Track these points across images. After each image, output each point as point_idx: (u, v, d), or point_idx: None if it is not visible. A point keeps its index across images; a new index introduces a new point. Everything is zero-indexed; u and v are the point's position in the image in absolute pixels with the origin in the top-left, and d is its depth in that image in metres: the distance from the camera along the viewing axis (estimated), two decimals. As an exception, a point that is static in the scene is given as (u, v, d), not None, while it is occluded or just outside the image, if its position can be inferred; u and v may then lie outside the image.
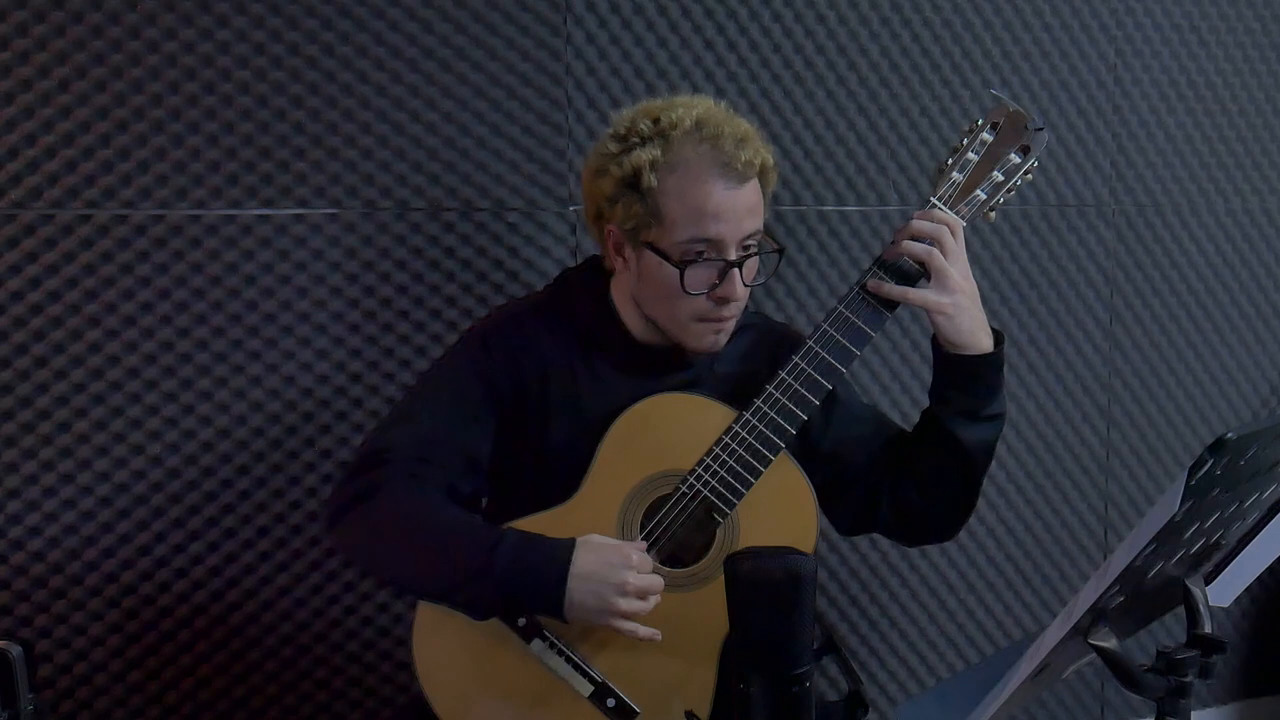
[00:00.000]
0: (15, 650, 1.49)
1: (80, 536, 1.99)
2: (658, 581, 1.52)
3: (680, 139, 1.54)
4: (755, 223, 1.57)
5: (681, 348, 1.63)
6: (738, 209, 1.54)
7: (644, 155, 1.54)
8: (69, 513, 1.99)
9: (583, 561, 1.50)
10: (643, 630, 1.52)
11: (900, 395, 2.42)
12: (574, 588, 1.49)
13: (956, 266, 1.56)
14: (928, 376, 1.67)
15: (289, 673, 2.12)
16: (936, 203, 1.60)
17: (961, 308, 1.57)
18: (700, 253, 1.55)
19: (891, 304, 1.58)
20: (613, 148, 1.58)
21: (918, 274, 1.58)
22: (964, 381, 1.61)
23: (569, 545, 1.51)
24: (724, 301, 1.57)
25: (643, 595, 1.51)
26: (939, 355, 1.62)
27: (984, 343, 1.59)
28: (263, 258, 2.03)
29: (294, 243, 2.04)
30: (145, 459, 2.01)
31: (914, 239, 1.57)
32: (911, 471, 1.67)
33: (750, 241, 1.57)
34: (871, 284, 1.58)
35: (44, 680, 1.99)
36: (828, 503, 1.70)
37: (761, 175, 1.59)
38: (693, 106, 1.58)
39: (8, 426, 1.95)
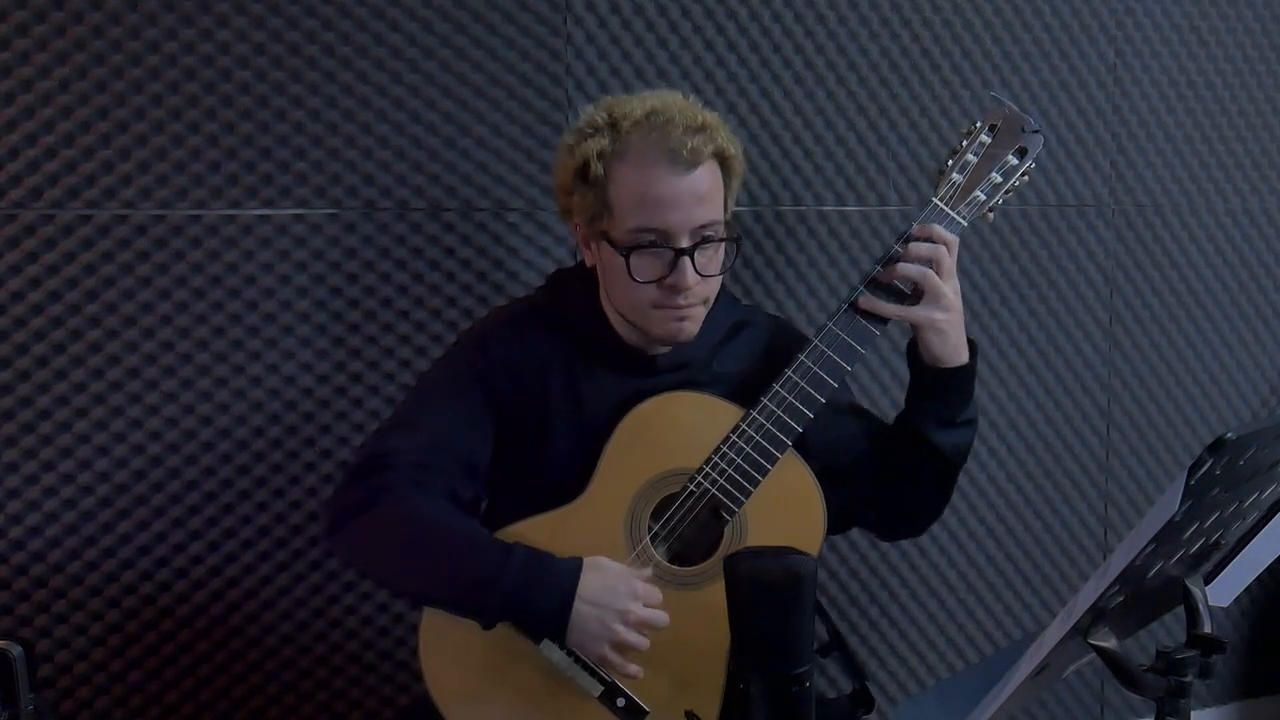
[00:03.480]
0: (15, 650, 1.49)
1: (80, 536, 1.99)
2: (661, 616, 1.52)
3: (629, 129, 1.54)
4: (709, 212, 1.55)
5: (674, 348, 1.63)
6: (683, 196, 1.53)
7: (593, 145, 1.55)
8: (69, 513, 1.99)
9: (589, 586, 1.50)
10: (631, 667, 1.52)
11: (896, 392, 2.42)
12: (579, 610, 1.49)
13: (949, 284, 1.58)
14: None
15: (289, 673, 2.12)
16: (939, 203, 1.62)
17: (953, 324, 1.59)
18: (651, 241, 1.54)
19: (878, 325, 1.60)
20: (570, 139, 1.60)
21: (910, 289, 1.60)
22: (942, 391, 1.63)
23: (576, 567, 1.51)
24: (676, 290, 1.55)
25: (643, 629, 1.51)
26: (918, 367, 1.63)
27: (964, 355, 1.61)
28: (263, 258, 2.03)
29: (294, 243, 2.04)
30: (145, 459, 2.01)
31: (912, 259, 1.58)
32: (889, 474, 1.68)
33: (708, 231, 1.56)
34: (864, 302, 1.58)
35: (44, 680, 1.99)
36: None
37: (722, 163, 1.58)
38: (649, 99, 1.58)
39: (8, 426, 1.95)
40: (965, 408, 1.64)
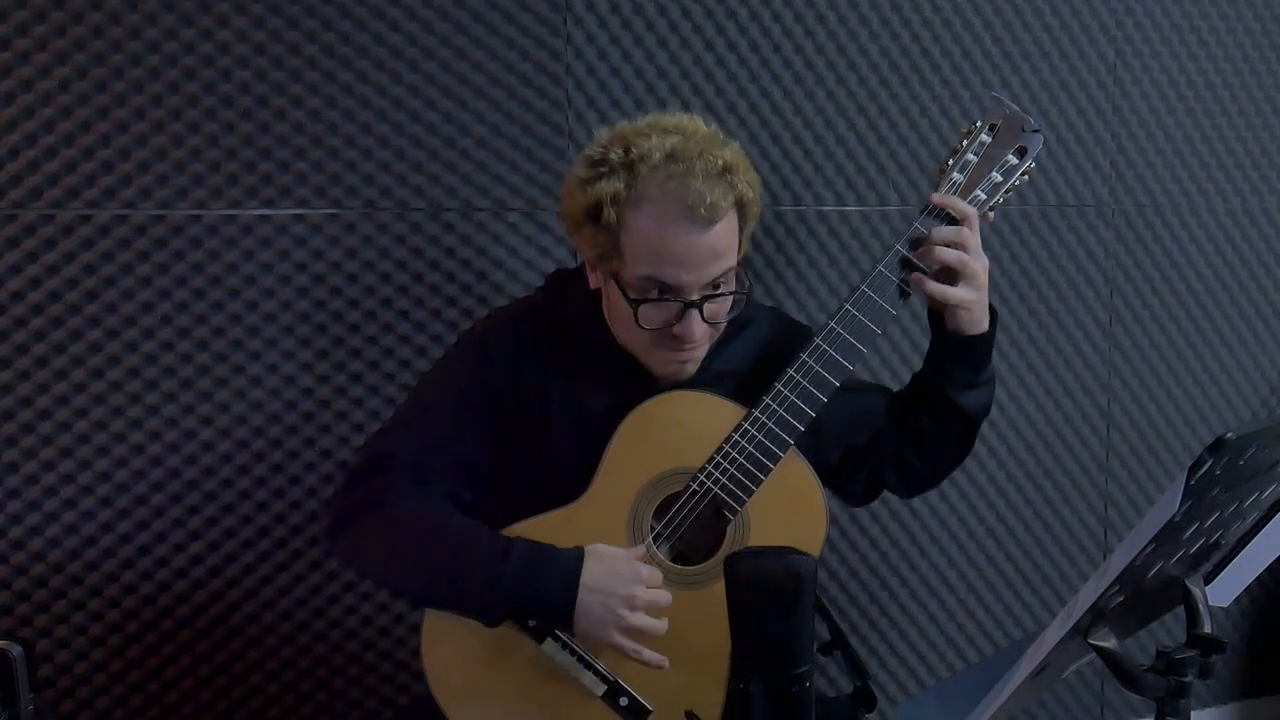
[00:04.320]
0: (15, 650, 1.49)
1: (80, 536, 1.99)
2: (665, 596, 1.52)
3: (647, 174, 1.49)
4: (722, 265, 1.53)
5: None
6: (699, 255, 1.50)
7: (607, 188, 1.50)
8: (69, 513, 1.99)
9: (592, 573, 1.50)
10: (648, 654, 1.52)
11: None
12: (584, 599, 1.49)
13: (979, 261, 1.59)
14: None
15: (289, 673, 2.12)
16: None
17: (983, 300, 1.61)
18: (662, 292, 1.53)
19: (896, 305, 1.59)
20: (583, 173, 1.55)
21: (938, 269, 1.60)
22: (966, 357, 1.64)
23: (578, 556, 1.51)
24: (681, 340, 1.55)
25: (650, 610, 1.51)
26: (943, 336, 1.64)
27: (986, 322, 1.63)
28: (263, 258, 2.03)
29: (294, 243, 2.04)
30: (145, 459, 2.01)
31: (939, 242, 1.58)
32: (914, 440, 1.70)
33: (720, 281, 1.54)
34: (915, 278, 1.58)
35: (44, 680, 1.99)
36: (838, 482, 1.73)
37: (740, 211, 1.55)
38: (670, 134, 1.52)
39: (8, 426, 1.95)
40: (986, 367, 1.67)
